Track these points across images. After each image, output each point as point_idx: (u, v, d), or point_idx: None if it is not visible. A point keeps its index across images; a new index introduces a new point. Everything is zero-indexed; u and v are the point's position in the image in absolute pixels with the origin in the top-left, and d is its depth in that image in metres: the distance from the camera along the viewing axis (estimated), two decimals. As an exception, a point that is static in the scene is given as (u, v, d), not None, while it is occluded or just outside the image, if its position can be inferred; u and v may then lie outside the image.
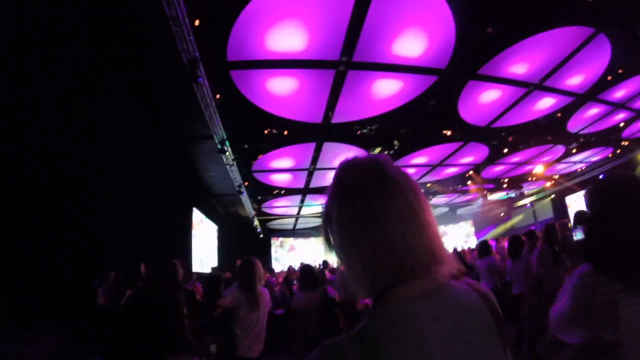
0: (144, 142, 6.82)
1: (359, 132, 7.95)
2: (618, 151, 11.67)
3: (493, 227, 17.89)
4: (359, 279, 0.65)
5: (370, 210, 0.63)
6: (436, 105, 7.23)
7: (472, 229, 19.34)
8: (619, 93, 7.89)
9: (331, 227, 0.70)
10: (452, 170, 11.54)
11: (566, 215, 14.22)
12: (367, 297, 0.67)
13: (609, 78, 7.23)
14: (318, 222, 18.14)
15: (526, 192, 15.66)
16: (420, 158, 10.21)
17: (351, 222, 0.65)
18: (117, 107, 5.69)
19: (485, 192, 13.53)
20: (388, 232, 0.61)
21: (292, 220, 17.78)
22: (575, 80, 7.14)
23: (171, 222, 8.95)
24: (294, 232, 20.29)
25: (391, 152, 9.04)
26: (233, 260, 13.18)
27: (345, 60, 5.28)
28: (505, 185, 13.83)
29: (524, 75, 6.67)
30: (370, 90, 6.32)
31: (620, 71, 7.01)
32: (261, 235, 17.44)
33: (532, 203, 16.26)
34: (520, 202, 16.47)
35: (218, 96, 5.68)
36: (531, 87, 7.09)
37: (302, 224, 18.81)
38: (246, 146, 8.10)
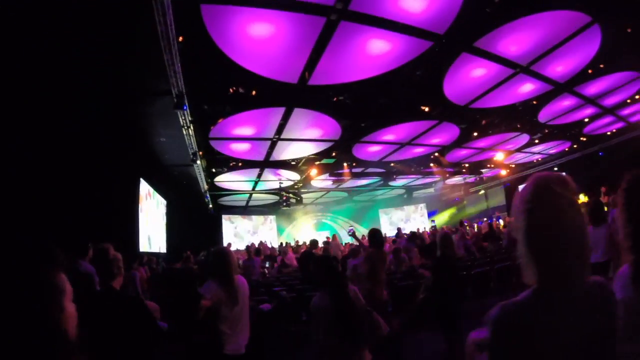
0: (79, 95, 6.01)
1: (335, 99, 7.70)
2: (575, 146, 12.81)
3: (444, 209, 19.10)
4: (535, 268, 1.04)
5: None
6: (422, 76, 7.22)
7: (425, 211, 20.47)
8: (593, 88, 8.56)
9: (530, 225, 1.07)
10: (419, 150, 11.85)
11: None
12: (532, 280, 1.05)
13: (590, 71, 7.79)
14: (273, 199, 17.94)
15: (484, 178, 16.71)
16: (389, 135, 10.31)
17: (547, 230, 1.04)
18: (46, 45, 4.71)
19: (447, 175, 14.20)
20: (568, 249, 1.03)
21: (245, 197, 17.26)
22: (559, 69, 7.58)
23: (114, 194, 8.30)
24: (246, 210, 19.87)
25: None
26: (183, 239, 12.85)
27: (340, 7, 4.90)
28: (464, 170, 14.61)
29: (515, 54, 6.89)
30: (359, 50, 6.05)
31: (601, 66, 7.56)
32: (212, 212, 16.83)
33: (485, 190, 17.49)
34: (474, 188, 17.60)
35: (181, 38, 5.05)
36: (518, 70, 7.38)
37: (256, 200, 18.39)
38: (206, 107, 7.45)
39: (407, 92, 7.83)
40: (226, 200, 17.45)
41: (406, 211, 21.00)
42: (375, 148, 11.30)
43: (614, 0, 5.66)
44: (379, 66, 6.66)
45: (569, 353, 0.99)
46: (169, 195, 13.33)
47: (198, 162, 9.69)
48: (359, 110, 8.43)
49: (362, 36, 5.69)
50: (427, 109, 8.75)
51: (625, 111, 10.29)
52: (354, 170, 12.85)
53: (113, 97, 6.45)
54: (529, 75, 7.64)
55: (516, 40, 6.44)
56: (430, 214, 19.98)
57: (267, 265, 11.03)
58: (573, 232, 1.03)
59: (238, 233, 19.41)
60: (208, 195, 14.32)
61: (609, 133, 11.96)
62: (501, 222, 13.89)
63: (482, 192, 17.51)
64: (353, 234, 6.72)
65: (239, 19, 5.02)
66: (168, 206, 13.53)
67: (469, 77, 7.48)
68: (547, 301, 1.02)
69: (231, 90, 6.84)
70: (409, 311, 4.65)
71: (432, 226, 14.29)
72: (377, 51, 6.17)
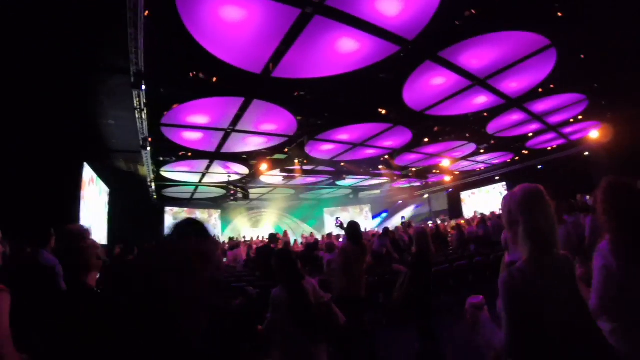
0: (19, 64, 5.40)
1: (296, 94, 7.47)
2: (516, 158, 13.67)
3: (386, 211, 19.62)
4: (529, 245, 1.60)
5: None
6: (385, 79, 7.22)
7: (370, 213, 20.91)
8: (541, 106, 9.12)
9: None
10: (370, 151, 11.96)
11: (460, 209, 16.37)
12: (525, 253, 1.61)
13: (540, 90, 8.26)
14: (218, 192, 17.38)
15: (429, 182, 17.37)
16: (343, 135, 10.28)
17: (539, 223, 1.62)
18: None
19: (394, 178, 14.52)
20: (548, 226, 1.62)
21: (191, 189, 16.45)
22: (513, 85, 7.96)
23: (54, 177, 7.74)
24: (189, 202, 19.07)
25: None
26: (124, 230, 11.95)
27: (317, 0, 4.74)
28: (411, 174, 15.04)
29: (475, 68, 7.12)
30: (327, 47, 5.88)
31: (552, 86, 8.05)
32: (155, 203, 15.95)
33: (429, 194, 18.22)
34: (419, 192, 18.26)
35: (147, 12, 4.54)
36: (475, 82, 7.64)
37: (201, 193, 17.65)
38: (162, 90, 6.88)
39: (368, 93, 7.83)
40: (170, 192, 16.58)
41: (351, 212, 21.29)
42: (328, 147, 11.22)
43: (573, 28, 6.01)
44: (345, 65, 6.54)
45: (555, 300, 1.53)
46: (112, 183, 12.45)
47: (148, 148, 9.05)
48: (317, 108, 8.33)
49: (333, 33, 5.53)
50: (384, 112, 8.80)
51: (568, 129, 11.15)
52: (305, 167, 12.67)
53: (60, 71, 5.83)
54: (484, 88, 7.95)
55: (478, 54, 6.66)
56: (375, 216, 20.44)
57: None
58: (553, 223, 1.63)
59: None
60: (153, 185, 13.50)
61: (549, 148, 12.93)
62: (453, 223, 14.38)
63: (426, 196, 18.22)
64: (341, 225, 6.57)
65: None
66: (111, 195, 12.62)
67: (429, 84, 7.62)
68: (538, 264, 1.57)
69: (192, 74, 6.42)
70: (390, 306, 4.76)
71: (402, 222, 14.48)
72: (346, 50, 6.05)
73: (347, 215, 21.06)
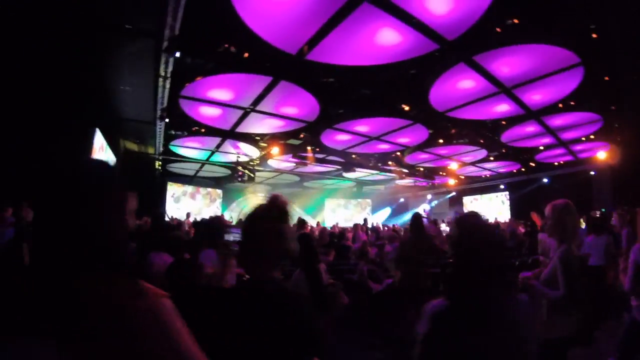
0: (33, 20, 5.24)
1: (325, 80, 7.67)
2: (523, 169, 14.07)
3: (389, 207, 19.99)
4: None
5: None
6: (414, 76, 7.47)
7: (370, 207, 21.24)
8: (558, 121, 9.45)
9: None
10: (384, 146, 12.23)
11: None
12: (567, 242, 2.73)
13: (560, 105, 8.57)
14: (223, 172, 17.42)
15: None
16: (362, 126, 10.53)
17: None
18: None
19: (403, 175, 14.85)
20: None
21: (196, 166, 16.46)
22: (536, 97, 8.27)
23: (66, 142, 7.45)
24: (192, 179, 19.02)
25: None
26: None
27: None
28: (418, 173, 15.37)
29: (504, 76, 7.40)
30: (369, 36, 6.04)
31: (572, 103, 8.37)
32: (159, 176, 15.94)
33: (432, 195, 18.61)
34: (422, 192, 18.65)
35: None
36: (501, 90, 7.93)
37: (205, 172, 17.68)
38: (189, 60, 6.84)
39: (395, 87, 8.05)
40: (174, 167, 16.56)
41: (351, 210, 21.66)
42: (344, 137, 11.44)
43: (604, 51, 6.32)
44: (381, 56, 6.71)
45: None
46: (119, 152, 12.19)
47: (164, 120, 9.14)
48: (343, 96, 8.46)
49: (378, 22, 5.67)
50: (407, 108, 9.06)
51: (578, 147, 11.54)
52: (317, 155, 12.91)
53: (80, 28, 5.63)
54: (508, 97, 8.24)
55: (510, 63, 6.94)
56: (375, 211, 20.77)
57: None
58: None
59: (178, 198, 18.67)
60: (159, 159, 13.55)
61: (556, 163, 13.33)
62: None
63: (429, 197, 18.62)
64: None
65: None
66: (116, 164, 12.11)
67: (456, 86, 7.88)
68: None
69: (225, 45, 6.36)
70: None
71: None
72: (385, 41, 6.22)
73: (346, 211, 21.60)
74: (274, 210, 1.60)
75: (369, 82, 7.85)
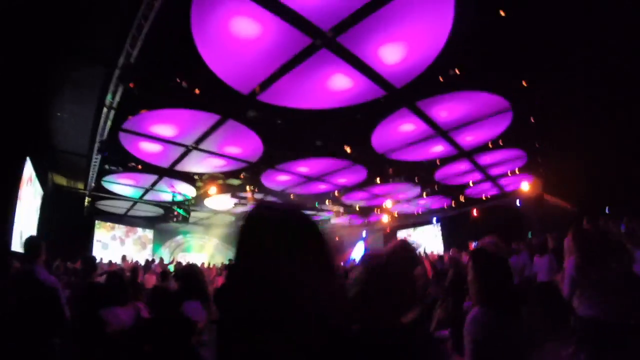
0: None
1: (273, 121, 7.46)
2: (453, 204, 14.84)
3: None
4: None
5: None
6: (359, 120, 7.56)
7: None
8: (487, 158, 10.14)
9: None
10: (323, 187, 12.18)
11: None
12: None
13: (490, 145, 9.20)
14: (155, 211, 16.28)
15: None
16: (303, 167, 10.42)
17: None
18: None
19: (340, 213, 14.85)
20: None
21: (127, 204, 15.16)
22: (468, 138, 8.79)
23: None
24: (122, 219, 17.45)
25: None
26: (51, 241, 10.09)
27: (330, 35, 4.89)
28: (356, 211, 15.51)
29: (442, 120, 7.79)
30: (322, 80, 6.08)
31: (500, 142, 9.02)
32: (86, 214, 14.21)
33: (367, 232, 18.86)
34: (357, 230, 18.86)
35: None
36: (438, 132, 8.31)
37: (137, 210, 16.35)
38: (136, 92, 6.24)
39: (339, 130, 8.10)
40: (104, 205, 15.13)
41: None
42: (284, 177, 11.22)
43: (532, 97, 6.91)
44: (331, 101, 6.79)
45: None
46: (46, 185, 10.89)
47: (100, 154, 8.38)
48: (288, 137, 8.34)
49: (332, 68, 5.75)
50: (349, 150, 9.11)
51: (503, 181, 12.47)
52: (256, 195, 12.49)
53: (22, 43, 4.99)
54: (444, 139, 8.67)
55: (447, 108, 7.34)
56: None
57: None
58: None
59: (106, 244, 16.89)
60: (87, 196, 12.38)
61: (484, 197, 14.26)
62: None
63: (364, 234, 18.84)
64: None
65: (230, 6, 4.55)
66: (44, 198, 10.92)
67: (397, 130, 8.14)
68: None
69: (177, 79, 6.05)
70: None
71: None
72: (337, 87, 6.30)
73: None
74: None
75: (315, 124, 7.80)
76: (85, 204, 13.46)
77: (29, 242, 3.56)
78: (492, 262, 2.03)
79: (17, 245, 7.79)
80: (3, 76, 5.59)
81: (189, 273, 3.46)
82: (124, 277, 3.88)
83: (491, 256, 2.09)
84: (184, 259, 17.42)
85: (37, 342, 3.01)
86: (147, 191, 13.13)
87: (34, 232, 9.94)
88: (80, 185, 12.28)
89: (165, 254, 18.07)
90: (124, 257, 13.07)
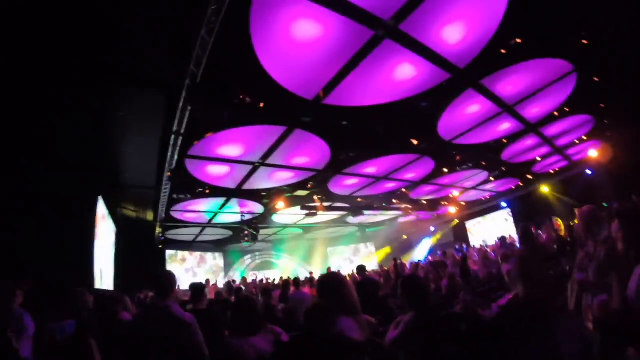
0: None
1: (341, 123, 7.84)
2: (520, 184, 14.57)
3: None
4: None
5: None
6: (425, 108, 7.76)
7: (374, 249, 21.13)
8: (553, 129, 10.02)
9: None
10: (390, 185, 12.44)
11: (466, 239, 16.91)
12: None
13: (555, 113, 9.14)
14: (222, 234, 16.99)
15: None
16: (370, 168, 10.69)
17: None
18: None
19: (409, 211, 15.01)
20: None
21: (195, 230, 15.91)
22: (534, 110, 8.77)
23: (67, 211, 6.85)
24: (191, 245, 18.30)
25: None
26: (129, 276, 10.90)
27: (391, 24, 5.03)
28: (422, 206, 15.57)
29: (507, 95, 7.85)
30: (386, 73, 6.24)
31: (566, 109, 8.95)
32: (160, 246, 15.24)
33: (435, 227, 18.77)
34: (425, 225, 18.82)
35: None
36: (504, 109, 8.38)
37: (205, 235, 17.09)
38: (200, 115, 6.38)
39: (406, 123, 8.32)
40: (172, 234, 15.92)
41: (354, 249, 21.49)
42: (351, 181, 11.57)
43: (595, 54, 6.91)
44: (396, 93, 6.95)
45: None
46: (118, 221, 11.37)
47: (168, 183, 8.84)
48: (355, 138, 8.55)
49: (396, 58, 5.89)
50: (415, 142, 9.35)
51: (571, 151, 12.17)
52: (324, 204, 12.91)
53: (86, 75, 5.03)
54: (510, 114, 8.71)
55: (512, 81, 7.35)
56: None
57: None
58: None
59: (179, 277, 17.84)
60: (158, 227, 13.13)
61: (552, 171, 13.93)
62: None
63: (433, 229, 18.77)
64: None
65: (288, 11, 4.66)
66: (117, 235, 11.49)
67: (464, 112, 8.25)
68: None
69: (241, 97, 6.18)
70: None
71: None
72: (402, 77, 6.46)
73: (349, 252, 21.43)
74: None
75: (382, 120, 8.02)
76: (156, 233, 14.06)
77: (162, 278, 3.45)
78: None
79: (98, 282, 8.16)
80: (70, 111, 5.81)
81: (336, 282, 2.96)
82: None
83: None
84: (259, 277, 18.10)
85: None
86: (215, 215, 13.63)
87: (111, 269, 10.55)
88: (150, 217, 12.72)
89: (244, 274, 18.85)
90: (207, 282, 13.43)
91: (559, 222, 9.52)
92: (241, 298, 3.36)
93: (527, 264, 3.94)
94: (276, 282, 14.31)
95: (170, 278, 3.49)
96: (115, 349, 3.40)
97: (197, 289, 5.29)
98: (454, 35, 5.71)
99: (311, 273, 13.52)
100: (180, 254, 18.53)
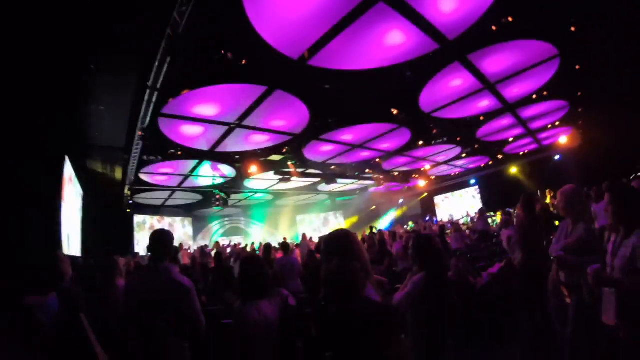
0: None
1: (322, 87, 7.61)
2: (490, 162, 14.99)
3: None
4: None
5: None
6: (408, 79, 7.65)
7: (342, 219, 21.43)
8: (529, 112, 10.23)
9: None
10: (365, 154, 12.45)
11: (434, 213, 17.40)
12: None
13: (534, 97, 9.30)
14: (193, 198, 16.56)
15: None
16: (347, 135, 10.61)
17: None
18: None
19: (382, 181, 15.15)
20: None
21: (163, 194, 15.45)
22: (515, 91, 8.88)
23: (30, 172, 6.19)
24: (160, 210, 17.87)
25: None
26: (94, 241, 10.39)
27: None
28: (394, 178, 15.78)
29: (490, 72, 7.88)
30: (377, 37, 6.07)
31: (545, 93, 9.11)
32: (128, 210, 14.65)
33: (403, 199, 19.17)
34: (395, 197, 19.17)
35: None
36: (486, 86, 8.43)
37: (175, 199, 16.65)
38: (177, 71, 5.89)
39: (388, 91, 8.17)
40: (140, 198, 15.41)
41: (323, 219, 21.69)
42: (327, 148, 11.47)
43: (580, 41, 6.98)
44: (383, 59, 6.78)
45: None
46: (86, 184, 10.79)
47: (139, 143, 8.41)
48: (336, 103, 8.36)
49: (388, 23, 5.71)
50: (395, 112, 9.32)
51: (543, 135, 12.53)
52: (298, 170, 12.80)
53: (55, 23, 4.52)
54: (491, 92, 8.78)
55: (497, 59, 7.38)
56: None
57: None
58: None
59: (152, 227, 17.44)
60: (126, 190, 12.59)
61: (521, 153, 14.37)
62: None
63: (401, 201, 19.17)
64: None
65: None
66: (84, 198, 10.96)
67: (447, 86, 8.23)
68: None
69: (222, 52, 5.77)
70: None
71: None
72: (391, 43, 6.29)
73: (318, 221, 21.62)
74: None
75: (365, 87, 7.82)
76: (125, 196, 13.49)
77: (160, 238, 3.00)
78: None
79: (66, 248, 7.66)
80: (34, 72, 5.32)
81: (350, 239, 2.45)
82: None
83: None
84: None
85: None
86: (185, 178, 13.29)
87: (78, 234, 10.02)
88: (119, 179, 12.12)
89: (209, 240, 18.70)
90: (181, 246, 13.10)
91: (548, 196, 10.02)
92: (247, 260, 3.00)
93: (529, 231, 4.14)
94: (248, 248, 14.20)
95: (167, 237, 3.05)
96: (113, 319, 3.19)
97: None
98: (448, 4, 5.59)
99: (285, 238, 13.49)
100: (149, 222, 18.06)
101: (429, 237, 3.13)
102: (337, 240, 2.35)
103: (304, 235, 13.34)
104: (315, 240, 13.20)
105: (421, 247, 3.04)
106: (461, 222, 14.16)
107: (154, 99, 6.59)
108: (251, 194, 16.94)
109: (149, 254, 3.15)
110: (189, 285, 2.83)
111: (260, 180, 14.24)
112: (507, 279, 3.87)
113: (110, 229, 12.72)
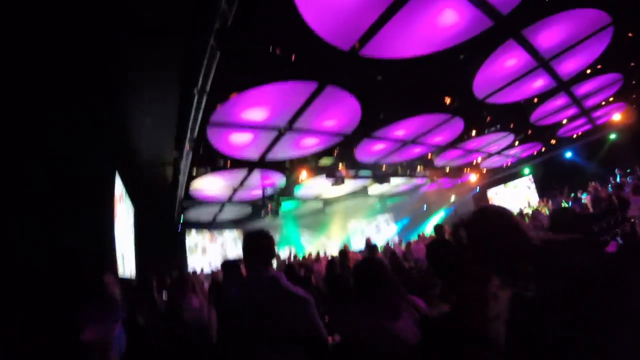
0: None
1: (379, 78, 7.59)
2: (543, 149, 14.71)
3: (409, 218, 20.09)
4: None
5: None
6: (461, 63, 7.77)
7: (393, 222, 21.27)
8: (583, 88, 10.12)
9: None
10: (417, 150, 12.55)
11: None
12: None
13: (588, 71, 9.23)
14: (241, 212, 16.64)
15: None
16: (399, 130, 10.62)
17: None
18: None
19: (434, 178, 15.16)
20: None
21: (214, 209, 15.62)
22: (569, 66, 8.86)
23: (80, 190, 5.57)
24: (211, 225, 17.84)
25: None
26: (147, 261, 9.67)
27: None
28: (447, 174, 15.73)
29: (545, 47, 7.89)
30: (430, 19, 6.02)
31: (599, 67, 9.02)
32: (179, 227, 14.93)
33: (455, 196, 18.96)
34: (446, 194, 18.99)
35: None
36: (540, 64, 8.45)
37: (225, 213, 16.80)
38: (224, 72, 5.45)
39: (441, 79, 8.18)
40: (190, 215, 15.64)
41: (374, 226, 21.48)
42: (379, 146, 11.60)
43: (633, 7, 6.97)
44: (435, 44, 6.76)
45: None
46: (137, 200, 10.80)
47: (189, 155, 8.20)
48: (388, 96, 8.29)
49: (440, 3, 5.69)
50: (448, 100, 9.42)
51: (596, 113, 12.27)
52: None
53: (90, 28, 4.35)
54: (545, 70, 8.76)
55: (550, 33, 7.33)
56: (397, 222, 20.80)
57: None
58: None
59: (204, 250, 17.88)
60: (178, 205, 12.66)
61: (574, 136, 14.06)
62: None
63: (453, 199, 18.95)
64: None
65: None
66: (136, 215, 10.88)
67: (501, 67, 8.25)
68: None
69: (270, 49, 5.49)
70: None
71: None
72: (445, 24, 6.25)
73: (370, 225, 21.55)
74: None
75: (417, 76, 7.79)
76: (176, 213, 13.38)
77: (265, 238, 2.58)
78: None
79: (121, 269, 7.31)
80: (74, 74, 4.97)
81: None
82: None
83: None
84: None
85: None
86: (235, 191, 13.28)
87: (132, 254, 9.62)
88: (168, 192, 11.68)
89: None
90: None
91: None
92: (366, 264, 2.53)
93: None
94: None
95: (269, 240, 2.58)
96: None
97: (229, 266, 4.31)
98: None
99: (346, 246, 13.47)
100: (200, 244, 18.00)
101: (440, 242, 2.70)
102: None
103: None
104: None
105: (435, 253, 2.58)
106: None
107: (202, 104, 6.18)
108: (301, 202, 17.08)
109: (245, 258, 2.60)
110: (305, 295, 2.39)
111: (309, 188, 14.37)
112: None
113: (164, 248, 12.65)
